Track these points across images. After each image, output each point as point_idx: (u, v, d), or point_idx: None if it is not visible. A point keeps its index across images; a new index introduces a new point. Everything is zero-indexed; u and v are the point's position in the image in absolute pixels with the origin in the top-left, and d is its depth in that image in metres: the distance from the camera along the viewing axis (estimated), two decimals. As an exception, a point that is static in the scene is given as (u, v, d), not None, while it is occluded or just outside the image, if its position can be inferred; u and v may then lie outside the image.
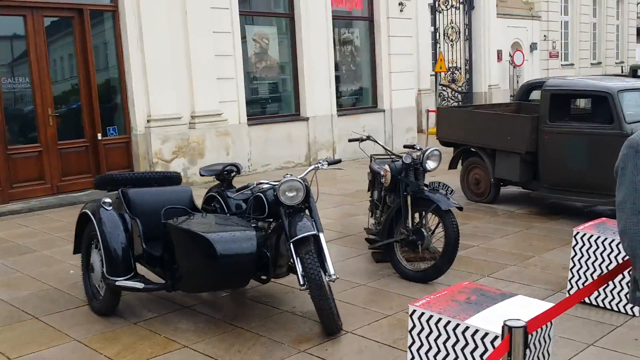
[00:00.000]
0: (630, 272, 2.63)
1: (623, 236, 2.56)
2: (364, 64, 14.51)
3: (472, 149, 8.89)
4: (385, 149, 6.31)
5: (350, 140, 6.79)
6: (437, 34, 23.71)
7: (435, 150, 5.75)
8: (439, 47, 22.38)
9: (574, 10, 29.73)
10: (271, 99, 12.75)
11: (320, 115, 13.03)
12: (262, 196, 4.85)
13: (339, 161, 5.33)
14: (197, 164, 10.57)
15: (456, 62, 23.89)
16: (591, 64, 31.20)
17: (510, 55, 25.61)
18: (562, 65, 29.20)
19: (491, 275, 5.70)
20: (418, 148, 6.09)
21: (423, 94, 20.24)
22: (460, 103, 21.90)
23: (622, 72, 25.41)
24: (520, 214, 8.17)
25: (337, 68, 13.88)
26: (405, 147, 6.60)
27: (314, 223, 4.52)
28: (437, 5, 22.94)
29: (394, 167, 5.85)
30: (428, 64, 20.96)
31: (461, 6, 23.37)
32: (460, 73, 24.17)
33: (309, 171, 4.95)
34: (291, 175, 4.70)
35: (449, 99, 22.26)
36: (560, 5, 28.73)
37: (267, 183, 4.92)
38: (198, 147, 10.96)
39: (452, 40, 23.79)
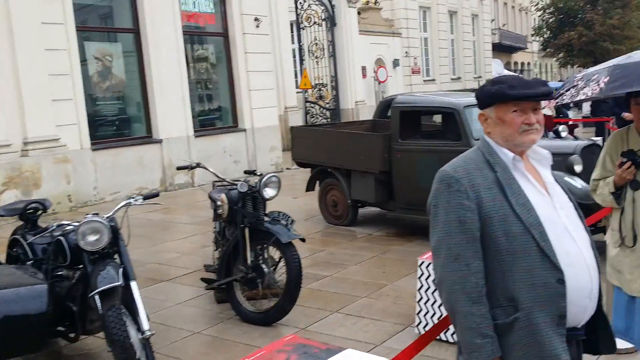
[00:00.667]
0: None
1: (440, 287, 2.11)
2: (221, 82, 13.89)
3: (329, 170, 8.49)
4: (218, 177, 5.72)
5: (178, 169, 6.17)
6: (302, 50, 23.73)
7: (273, 176, 5.22)
8: (304, 64, 22.31)
9: (432, 27, 30.84)
10: (119, 120, 11.76)
11: (175, 136, 12.23)
12: (63, 240, 4.09)
13: (157, 195, 4.65)
14: (33, 195, 9.44)
15: (323, 79, 23.97)
16: (451, 79, 32.49)
17: (374, 71, 25.99)
18: (424, 80, 30.13)
19: (341, 310, 5.23)
20: (259, 173, 5.54)
21: (289, 111, 19.90)
22: (328, 120, 21.84)
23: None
24: (378, 236, 7.84)
25: (192, 86, 13.16)
26: (245, 172, 6.04)
27: (121, 270, 3.83)
28: (300, 22, 22.92)
29: (231, 196, 5.26)
30: (293, 81, 20.66)
31: (324, 23, 23.46)
32: (327, 90, 24.25)
33: (119, 208, 4.25)
34: (95, 214, 3.98)
35: (317, 116, 22.13)
36: (419, 22, 29.68)
37: (69, 224, 4.16)
38: (33, 177, 9.81)
39: (317, 57, 23.84)
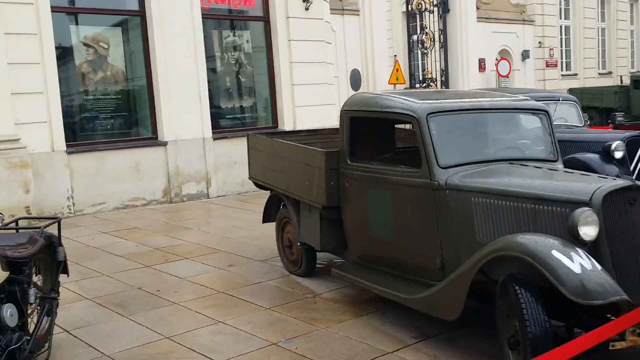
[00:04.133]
0: None
1: None
2: (259, 75, 11.83)
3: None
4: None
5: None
6: (411, 40, 21.31)
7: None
8: (414, 55, 19.98)
9: (576, 13, 26.49)
10: (113, 118, 10.09)
11: (186, 139, 10.36)
12: None
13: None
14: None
15: (432, 73, 21.26)
16: (599, 73, 27.88)
17: (495, 64, 22.60)
18: (562, 75, 26.00)
19: None
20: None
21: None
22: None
23: (621, 82, 22.08)
24: (339, 304, 5.30)
25: (218, 80, 11.27)
26: None
27: None
28: (410, 9, 20.48)
29: None
30: (387, 76, 18.10)
31: (435, 9, 20.63)
32: (436, 86, 21.48)
33: None
34: None
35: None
36: (558, 9, 25.54)
37: None
38: (-22, 185, 8.36)
39: (426, 48, 21.18)
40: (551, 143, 4.77)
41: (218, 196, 10.67)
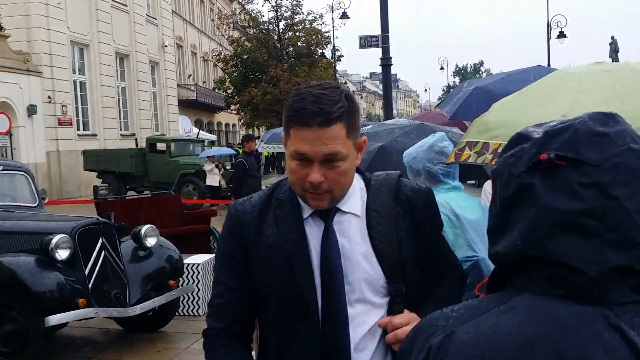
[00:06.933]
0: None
1: None
2: None
3: None
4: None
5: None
6: None
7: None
8: None
9: (92, 69, 24.58)
10: None
11: None
12: None
13: None
14: None
15: None
16: (122, 135, 26.44)
17: (-8, 119, 18.70)
18: (79, 135, 23.58)
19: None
20: None
21: None
22: None
23: (137, 145, 20.81)
24: None
25: None
26: None
27: None
28: None
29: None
30: None
31: None
32: None
33: None
34: None
35: None
36: (70, 61, 23.17)
37: None
38: None
39: None
40: None
41: None
